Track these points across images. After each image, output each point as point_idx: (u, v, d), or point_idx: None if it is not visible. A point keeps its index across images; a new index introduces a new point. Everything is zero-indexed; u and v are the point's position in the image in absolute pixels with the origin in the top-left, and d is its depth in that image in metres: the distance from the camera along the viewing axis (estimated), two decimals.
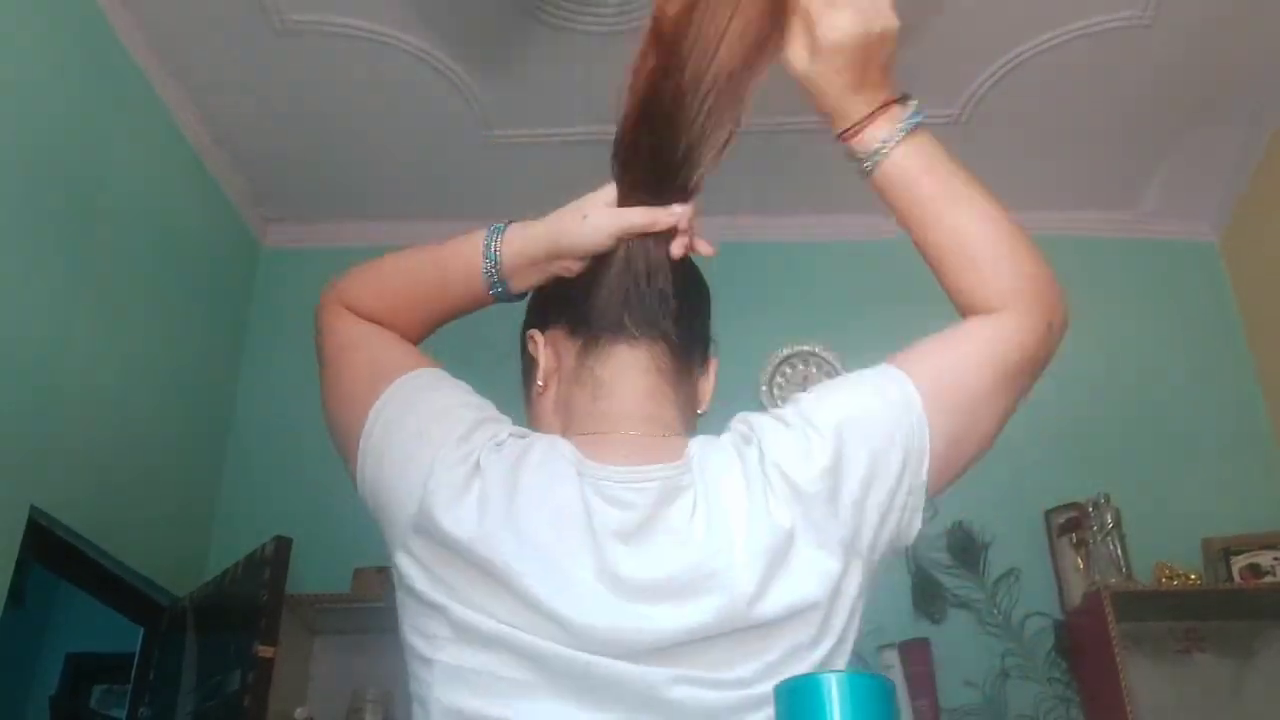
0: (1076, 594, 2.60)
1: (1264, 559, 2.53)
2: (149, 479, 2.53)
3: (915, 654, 2.53)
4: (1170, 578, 2.53)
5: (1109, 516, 2.62)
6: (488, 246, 0.93)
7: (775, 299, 3.10)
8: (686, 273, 0.93)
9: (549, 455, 0.79)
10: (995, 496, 2.78)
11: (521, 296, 0.97)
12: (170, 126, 2.71)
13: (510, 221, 0.96)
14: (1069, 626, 2.62)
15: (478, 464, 0.78)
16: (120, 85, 2.48)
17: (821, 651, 0.77)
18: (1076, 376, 2.97)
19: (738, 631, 0.73)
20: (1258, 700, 2.55)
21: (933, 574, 2.72)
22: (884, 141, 0.90)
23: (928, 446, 0.82)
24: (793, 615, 0.75)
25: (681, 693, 0.72)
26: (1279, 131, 2.81)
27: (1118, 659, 2.32)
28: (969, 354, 0.86)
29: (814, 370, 3.00)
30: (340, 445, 0.88)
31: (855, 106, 0.91)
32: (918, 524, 0.83)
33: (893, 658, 2.51)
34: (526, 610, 0.72)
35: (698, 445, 0.81)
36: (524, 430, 0.84)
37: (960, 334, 0.88)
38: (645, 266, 0.89)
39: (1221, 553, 2.59)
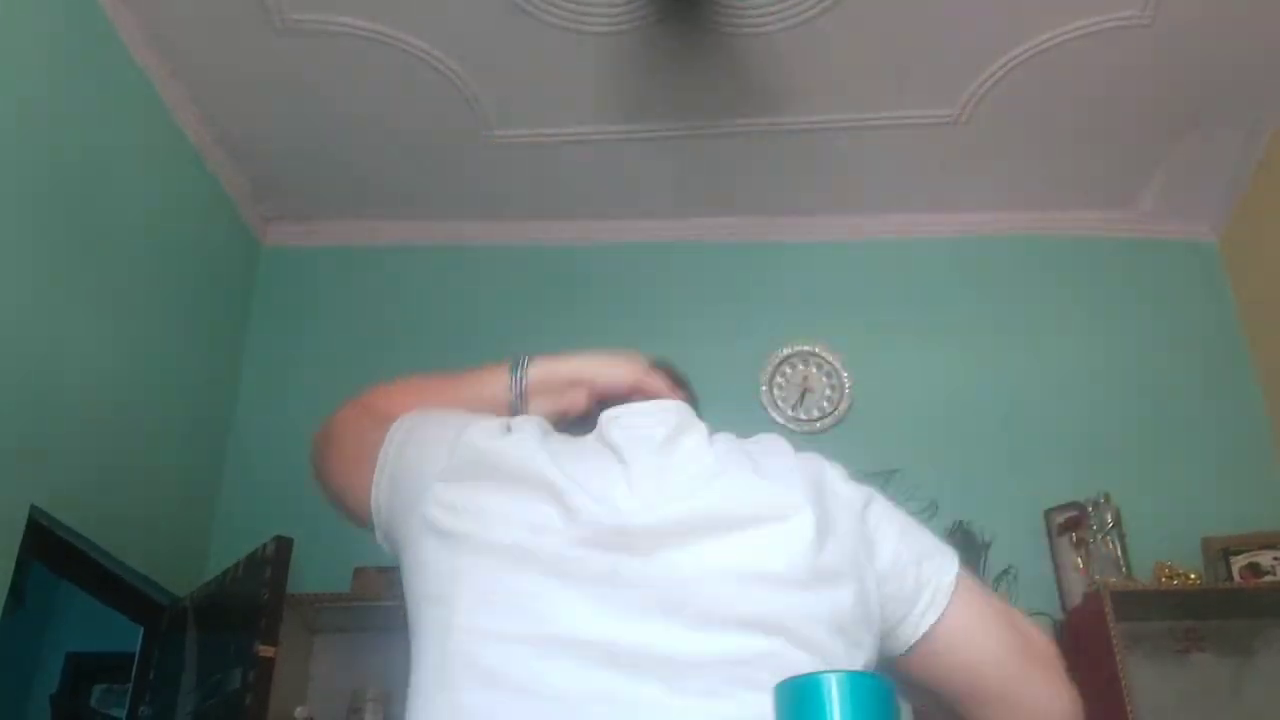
0: (1076, 593, 2.60)
1: (1264, 559, 2.53)
2: (149, 479, 2.53)
3: None
4: (1170, 577, 2.53)
5: (1109, 516, 2.62)
6: (514, 379, 1.04)
7: (775, 299, 3.10)
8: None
9: (568, 417, 0.98)
10: (995, 496, 2.78)
11: None
12: (170, 126, 2.71)
13: (528, 357, 1.07)
14: (1069, 626, 2.62)
15: (508, 426, 0.89)
16: (120, 85, 2.48)
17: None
18: (1076, 376, 2.97)
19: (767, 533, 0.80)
20: (1257, 700, 2.55)
21: None
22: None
23: (885, 611, 0.85)
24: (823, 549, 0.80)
25: (709, 586, 0.77)
26: (1279, 131, 2.81)
27: (1117, 658, 2.32)
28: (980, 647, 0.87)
29: (814, 370, 3.00)
30: (345, 489, 0.96)
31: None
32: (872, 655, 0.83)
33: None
34: (561, 517, 0.79)
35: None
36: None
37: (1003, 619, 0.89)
38: None
39: (1221, 552, 2.59)
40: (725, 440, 0.90)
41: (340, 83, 2.71)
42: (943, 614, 0.83)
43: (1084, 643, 2.53)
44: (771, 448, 0.91)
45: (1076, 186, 3.11)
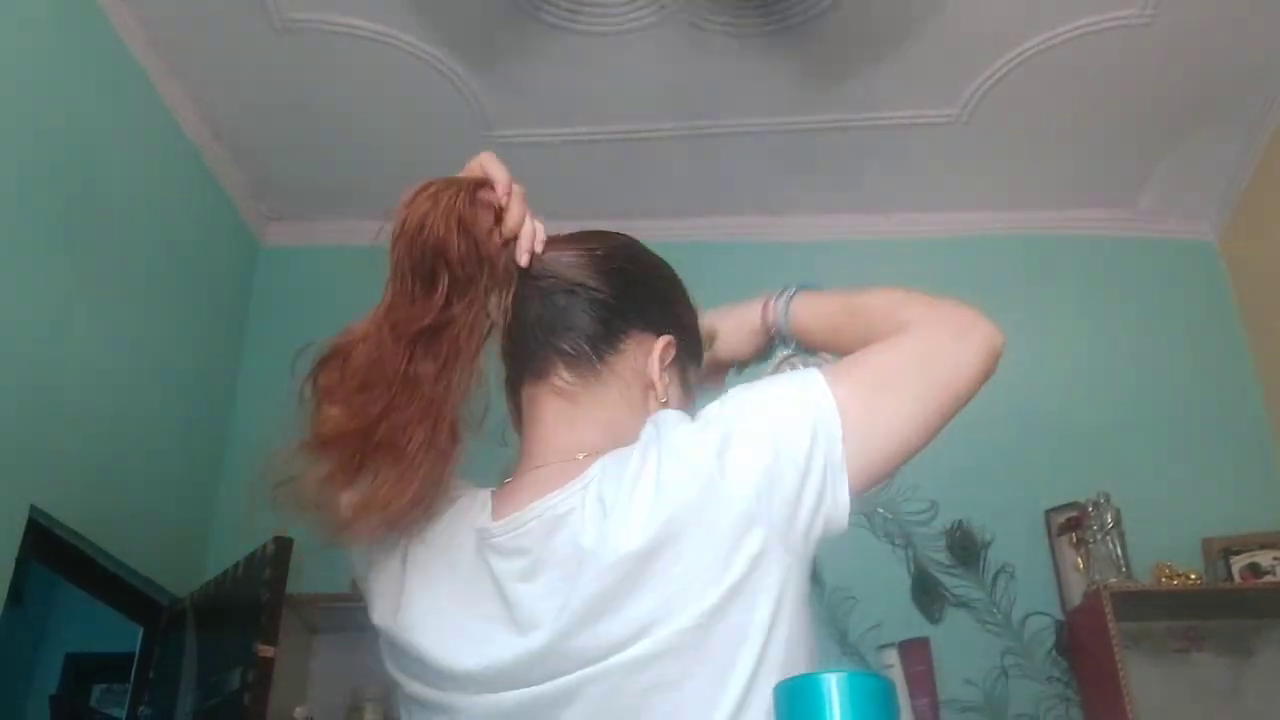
0: (1076, 593, 2.60)
1: (1264, 559, 2.53)
2: (149, 479, 2.53)
3: (915, 653, 2.53)
4: (1170, 577, 2.53)
5: (1109, 516, 2.62)
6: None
7: None
8: (569, 268, 0.91)
9: (460, 523, 0.84)
10: (995, 496, 2.78)
11: None
12: (170, 125, 2.71)
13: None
14: (1069, 626, 2.62)
15: (404, 554, 0.85)
16: (120, 84, 2.48)
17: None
18: (1077, 376, 2.97)
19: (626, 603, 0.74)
20: (1257, 700, 2.55)
21: (932, 573, 2.73)
22: (780, 313, 1.05)
23: (839, 425, 0.78)
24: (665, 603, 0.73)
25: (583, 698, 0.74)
26: (1279, 131, 2.81)
27: (1117, 658, 2.32)
28: (872, 355, 0.86)
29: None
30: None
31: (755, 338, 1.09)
32: (844, 510, 0.77)
33: (893, 657, 2.51)
34: (450, 677, 0.79)
35: (600, 464, 0.80)
36: (456, 493, 0.88)
37: (866, 349, 0.88)
38: (509, 301, 0.90)
39: (1221, 552, 2.59)
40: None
41: (340, 83, 2.71)
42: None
43: (1084, 643, 2.53)
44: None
45: (1076, 186, 3.11)
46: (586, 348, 0.87)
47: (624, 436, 0.82)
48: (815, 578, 2.66)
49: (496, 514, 0.83)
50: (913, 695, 2.47)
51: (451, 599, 0.81)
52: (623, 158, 2.94)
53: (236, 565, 2.41)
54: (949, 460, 2.84)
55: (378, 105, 2.80)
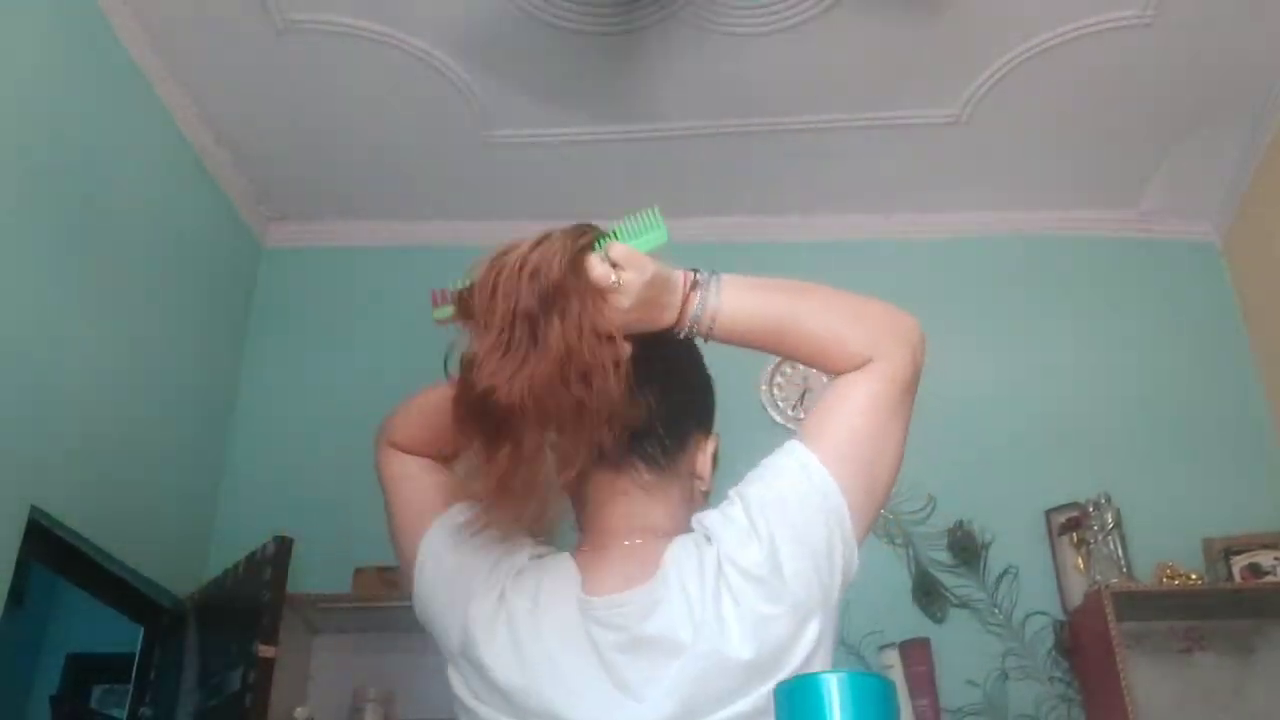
0: (1077, 593, 2.60)
1: (1264, 559, 2.53)
2: (149, 479, 2.53)
3: (915, 654, 2.53)
4: (1171, 577, 2.53)
5: (1109, 516, 2.62)
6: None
7: None
8: (661, 370, 0.99)
9: (557, 585, 0.95)
10: (995, 496, 2.78)
11: None
12: (170, 126, 2.71)
13: None
14: (1070, 626, 2.62)
15: (502, 594, 0.95)
16: (120, 85, 2.48)
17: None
18: (1077, 376, 2.97)
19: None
20: (1258, 700, 2.54)
21: (933, 574, 2.72)
22: (703, 308, 0.99)
23: (844, 502, 0.92)
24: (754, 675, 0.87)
25: None
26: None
27: (1118, 658, 2.31)
28: (856, 406, 0.96)
29: (813, 371, 2.99)
30: (400, 562, 1.07)
31: (669, 311, 0.98)
32: (856, 563, 0.94)
33: (893, 658, 2.51)
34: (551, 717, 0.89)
35: (672, 554, 0.93)
36: (543, 550, 1.00)
37: (843, 391, 0.97)
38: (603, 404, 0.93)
39: (1222, 552, 2.58)
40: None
41: (341, 83, 2.71)
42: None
43: (1085, 643, 2.53)
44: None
45: (1076, 186, 3.11)
46: (664, 453, 1.00)
47: (681, 520, 0.99)
48: None
49: (589, 587, 0.94)
50: (913, 696, 2.46)
51: (563, 654, 0.91)
52: (623, 158, 2.93)
53: (236, 565, 2.41)
54: (949, 460, 2.85)
55: (378, 105, 2.80)
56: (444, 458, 1.08)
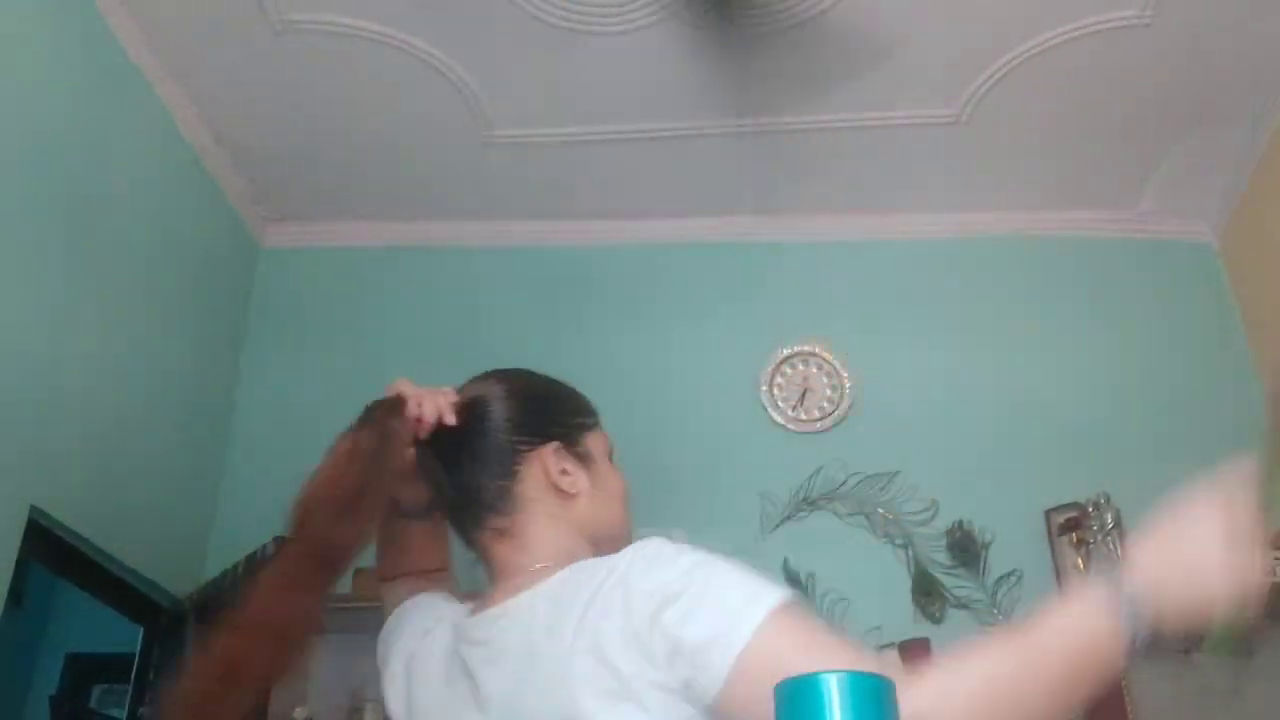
0: None
1: None
2: (149, 479, 2.53)
3: (915, 654, 2.53)
4: None
5: (1109, 516, 2.62)
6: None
7: (775, 299, 3.10)
8: (448, 450, 1.05)
9: (439, 630, 1.04)
10: (995, 496, 2.78)
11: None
12: (170, 126, 2.71)
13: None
14: None
15: (411, 656, 1.05)
16: (120, 85, 2.48)
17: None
18: (1076, 376, 2.97)
19: None
20: (1258, 700, 2.54)
21: (933, 574, 2.72)
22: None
23: (718, 691, 0.79)
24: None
25: None
26: (1279, 131, 2.81)
27: None
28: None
29: (814, 370, 3.00)
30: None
31: None
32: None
33: (893, 658, 2.51)
34: None
35: (570, 572, 0.93)
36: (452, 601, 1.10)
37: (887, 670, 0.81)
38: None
39: None
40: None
41: (340, 83, 2.71)
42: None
43: None
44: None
45: (1076, 186, 3.11)
46: (498, 495, 1.02)
47: (575, 536, 1.01)
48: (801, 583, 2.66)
49: (472, 611, 1.01)
50: None
51: (434, 681, 0.99)
52: (623, 158, 2.93)
53: (236, 565, 2.41)
54: (949, 460, 2.85)
55: (378, 106, 2.80)
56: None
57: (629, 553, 0.88)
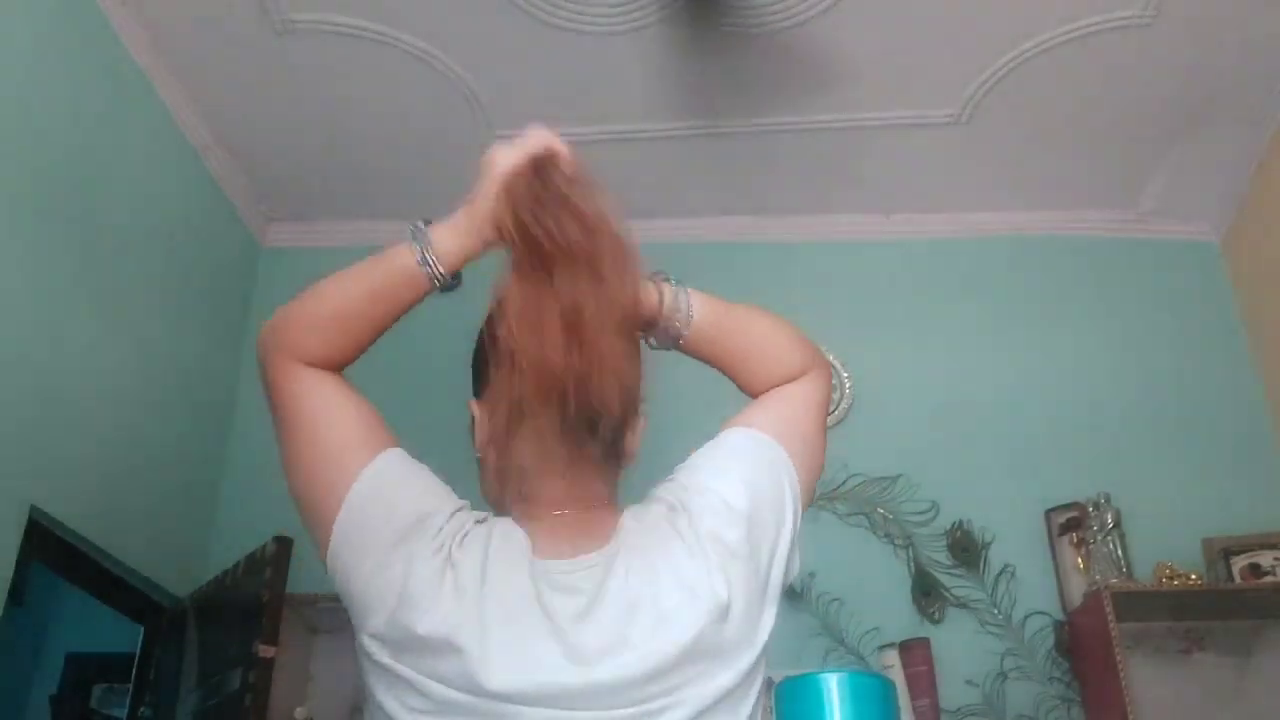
0: (1077, 594, 2.60)
1: (1264, 559, 2.53)
2: (149, 479, 2.53)
3: (915, 654, 2.53)
4: (1171, 577, 2.53)
5: (1109, 516, 2.62)
6: (424, 260, 1.03)
7: (775, 299, 3.09)
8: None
9: (506, 549, 0.90)
10: (995, 496, 2.79)
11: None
12: (170, 126, 2.71)
13: (426, 223, 1.06)
14: (1069, 626, 2.62)
15: (449, 557, 0.88)
16: (120, 85, 2.48)
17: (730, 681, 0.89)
18: (1076, 376, 2.97)
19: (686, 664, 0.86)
20: (1258, 700, 2.54)
21: (933, 574, 2.72)
22: (683, 301, 1.09)
23: (798, 480, 0.99)
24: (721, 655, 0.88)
25: None
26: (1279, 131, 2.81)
27: (1118, 659, 2.32)
28: (798, 406, 1.05)
29: None
30: (306, 518, 0.98)
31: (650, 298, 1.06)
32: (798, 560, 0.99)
33: (893, 658, 2.51)
34: (502, 693, 0.83)
35: (630, 519, 0.95)
36: (482, 515, 0.95)
37: (783, 396, 1.06)
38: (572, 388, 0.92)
39: (1222, 553, 2.59)
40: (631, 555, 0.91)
41: (340, 83, 2.71)
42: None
43: (1085, 643, 2.53)
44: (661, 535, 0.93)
45: (1076, 186, 3.11)
46: (613, 430, 0.98)
47: (617, 492, 1.01)
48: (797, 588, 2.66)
49: (540, 553, 0.90)
50: (913, 696, 2.46)
51: (512, 620, 0.85)
52: (623, 158, 2.93)
53: (236, 565, 2.41)
54: (949, 460, 2.85)
55: (378, 105, 2.80)
56: (338, 367, 1.00)
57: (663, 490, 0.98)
